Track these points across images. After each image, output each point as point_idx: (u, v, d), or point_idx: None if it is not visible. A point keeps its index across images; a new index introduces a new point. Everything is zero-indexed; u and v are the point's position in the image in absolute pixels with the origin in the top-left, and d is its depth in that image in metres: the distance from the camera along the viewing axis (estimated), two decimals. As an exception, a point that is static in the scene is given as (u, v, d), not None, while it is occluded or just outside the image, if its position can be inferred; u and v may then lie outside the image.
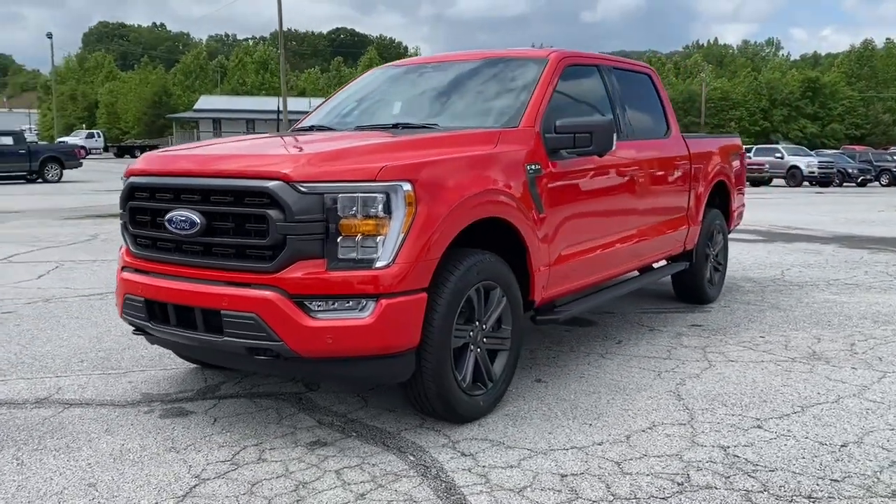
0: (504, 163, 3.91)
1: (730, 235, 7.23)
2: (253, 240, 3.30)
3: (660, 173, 5.52)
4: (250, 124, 63.47)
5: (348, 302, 3.25)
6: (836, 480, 3.11)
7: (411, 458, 3.35)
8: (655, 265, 6.08)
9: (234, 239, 3.35)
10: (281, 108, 40.03)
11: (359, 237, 3.24)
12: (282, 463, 3.30)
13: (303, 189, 3.23)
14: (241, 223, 3.34)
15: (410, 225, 3.30)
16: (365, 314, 3.24)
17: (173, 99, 74.15)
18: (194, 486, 3.06)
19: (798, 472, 3.19)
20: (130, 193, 3.75)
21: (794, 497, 2.96)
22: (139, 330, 3.88)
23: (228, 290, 3.33)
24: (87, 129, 66.78)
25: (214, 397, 4.15)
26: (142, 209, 3.69)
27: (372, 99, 5.22)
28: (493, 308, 3.85)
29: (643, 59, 30.41)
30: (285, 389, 4.28)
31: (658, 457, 3.35)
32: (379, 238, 3.26)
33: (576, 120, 4.25)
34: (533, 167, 4.06)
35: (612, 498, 2.95)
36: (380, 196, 3.25)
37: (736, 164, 7.07)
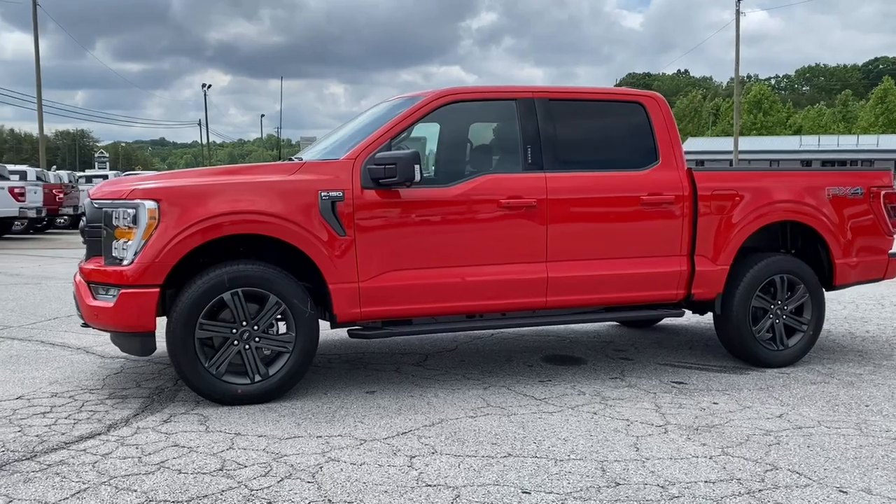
0: (290, 189, 4.53)
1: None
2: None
3: (602, 207, 5.12)
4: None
5: (107, 289, 4.39)
6: None
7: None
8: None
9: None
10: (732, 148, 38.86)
11: (121, 241, 4.37)
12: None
13: (95, 205, 4.50)
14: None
15: (151, 234, 4.29)
16: (112, 300, 4.35)
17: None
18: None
19: None
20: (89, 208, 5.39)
21: None
22: None
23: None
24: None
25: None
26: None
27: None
28: (267, 313, 4.49)
29: None
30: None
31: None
32: (129, 242, 4.33)
33: (387, 153, 4.59)
34: (331, 194, 4.56)
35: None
36: (130, 210, 4.34)
37: (855, 208, 5.73)
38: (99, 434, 3.96)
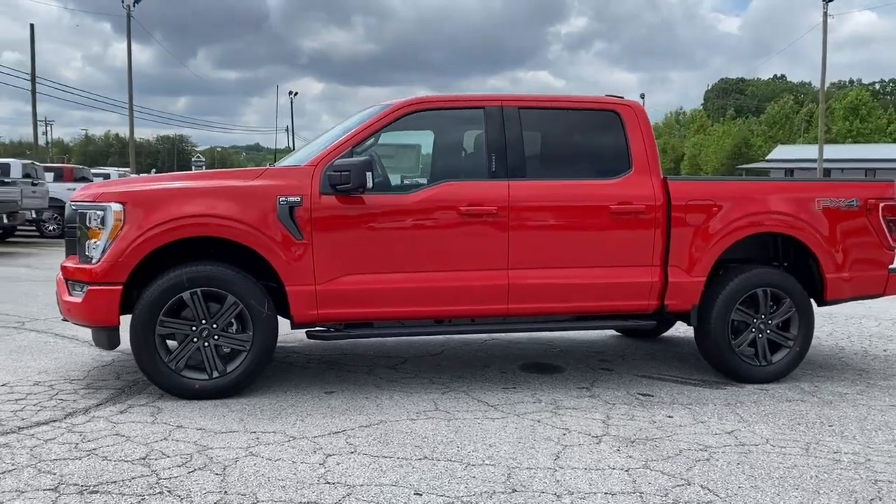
0: (249, 194, 4.73)
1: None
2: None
3: (567, 216, 5.10)
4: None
5: (79, 286, 4.69)
6: None
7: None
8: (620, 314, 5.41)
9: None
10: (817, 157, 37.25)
11: (92, 241, 4.67)
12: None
13: (73, 206, 4.82)
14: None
15: (117, 235, 4.57)
16: (81, 296, 4.65)
17: (752, 150, 74.27)
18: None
19: None
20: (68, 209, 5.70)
21: None
22: None
23: None
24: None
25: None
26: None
27: None
28: (225, 312, 4.70)
29: None
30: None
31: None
32: (98, 242, 4.62)
33: (343, 161, 4.73)
34: (289, 199, 4.73)
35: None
36: (98, 213, 4.63)
37: (850, 220, 5.51)
38: (55, 421, 4.24)
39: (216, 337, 4.73)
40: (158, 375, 4.65)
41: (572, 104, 5.46)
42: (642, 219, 5.16)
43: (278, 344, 6.15)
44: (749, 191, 5.51)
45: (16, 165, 17.22)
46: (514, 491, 3.39)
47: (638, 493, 3.40)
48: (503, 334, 6.99)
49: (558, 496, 3.35)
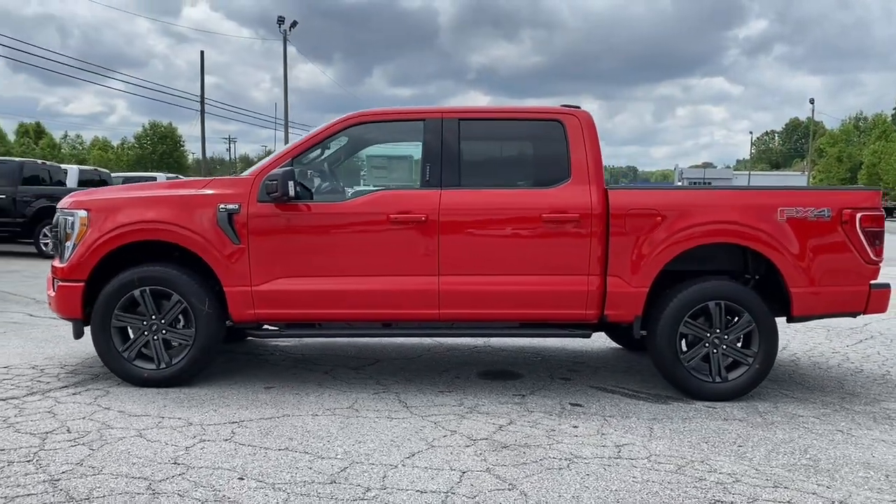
0: (193, 202, 5.20)
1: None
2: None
3: (498, 224, 5.15)
4: None
5: (57, 283, 5.38)
6: None
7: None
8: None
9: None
10: None
11: (66, 243, 5.34)
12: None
13: (57, 212, 5.53)
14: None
15: (81, 238, 5.21)
16: (54, 291, 5.33)
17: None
18: None
19: None
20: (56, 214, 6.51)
21: None
22: None
23: None
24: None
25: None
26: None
27: None
28: (172, 309, 5.20)
29: None
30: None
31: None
32: (69, 244, 5.29)
33: (274, 171, 5.09)
34: (228, 206, 5.16)
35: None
36: (70, 218, 5.29)
37: (821, 231, 5.16)
38: (14, 398, 4.89)
39: (164, 331, 5.22)
40: (113, 363, 5.22)
41: (516, 115, 5.49)
42: (577, 228, 5.11)
43: (273, 342, 6.67)
44: (698, 200, 5.28)
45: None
46: (333, 483, 3.56)
47: (450, 493, 3.46)
48: (496, 343, 7.06)
49: (367, 489, 3.48)
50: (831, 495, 3.55)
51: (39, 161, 17.40)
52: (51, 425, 4.34)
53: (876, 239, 5.17)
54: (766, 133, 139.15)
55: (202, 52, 41.33)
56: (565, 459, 3.95)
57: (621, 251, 5.13)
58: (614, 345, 7.01)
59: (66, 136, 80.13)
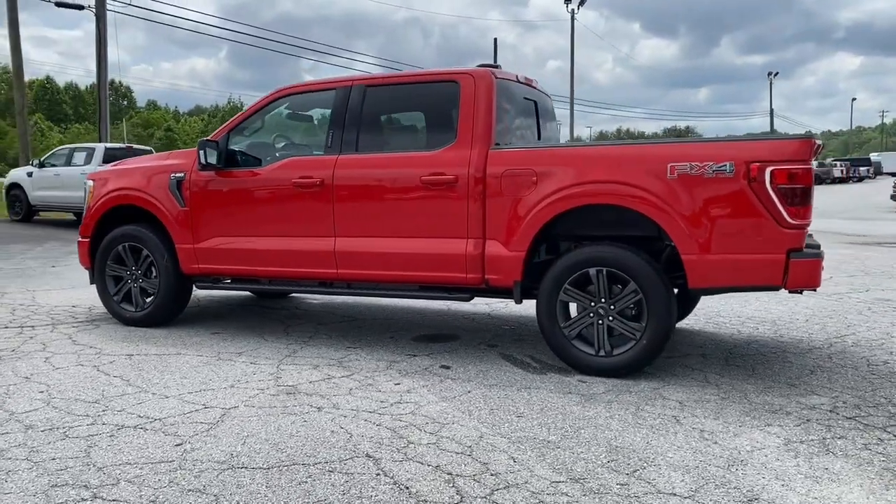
0: (156, 171, 6.14)
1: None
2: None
3: (382, 187, 5.30)
4: None
5: (78, 239, 6.70)
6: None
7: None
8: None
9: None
10: None
11: (85, 206, 6.64)
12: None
13: (86, 182, 6.87)
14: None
15: (88, 204, 6.47)
16: (77, 245, 6.68)
17: None
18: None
19: None
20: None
21: None
22: None
23: None
24: None
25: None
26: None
27: None
28: (144, 261, 6.24)
29: None
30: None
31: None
32: (85, 209, 6.59)
33: (201, 141, 5.82)
34: (178, 175, 6.01)
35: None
36: (87, 186, 6.58)
37: (720, 189, 4.55)
38: (22, 328, 6.28)
39: (140, 280, 6.26)
40: (108, 305, 6.40)
41: (420, 78, 5.52)
42: (454, 189, 5.07)
43: (293, 296, 7.42)
44: (576, 158, 4.88)
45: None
46: (106, 410, 4.15)
47: (159, 420, 3.91)
48: (485, 309, 7.08)
49: (122, 411, 4.05)
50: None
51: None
52: (28, 349, 5.50)
53: (794, 197, 4.37)
54: None
55: (495, 40, 41.82)
56: (315, 407, 4.12)
57: (498, 214, 4.98)
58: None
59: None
